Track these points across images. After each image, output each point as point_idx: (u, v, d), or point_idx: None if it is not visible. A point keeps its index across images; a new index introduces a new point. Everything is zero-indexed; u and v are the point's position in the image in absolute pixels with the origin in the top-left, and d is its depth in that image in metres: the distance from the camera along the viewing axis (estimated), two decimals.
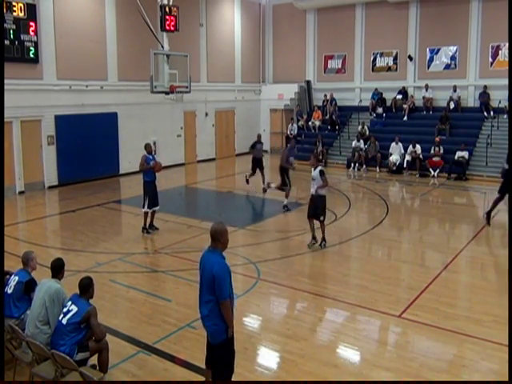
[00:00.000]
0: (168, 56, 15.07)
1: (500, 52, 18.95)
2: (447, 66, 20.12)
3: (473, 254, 9.20)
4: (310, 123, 21.59)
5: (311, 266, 8.83)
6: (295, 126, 21.79)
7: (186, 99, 17.87)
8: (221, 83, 21.42)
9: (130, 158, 16.66)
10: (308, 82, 23.21)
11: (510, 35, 12.25)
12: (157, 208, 10.34)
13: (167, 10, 14.87)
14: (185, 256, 8.85)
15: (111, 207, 12.86)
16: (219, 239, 4.34)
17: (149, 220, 10.32)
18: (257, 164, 14.66)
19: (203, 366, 5.15)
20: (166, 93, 15.20)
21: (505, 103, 18.35)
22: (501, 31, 18.51)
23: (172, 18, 14.95)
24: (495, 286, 7.64)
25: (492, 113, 18.42)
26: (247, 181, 14.69)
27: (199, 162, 20.38)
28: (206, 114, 20.81)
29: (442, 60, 20.23)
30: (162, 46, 15.39)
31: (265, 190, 14.05)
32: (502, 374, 5.29)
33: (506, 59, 18.75)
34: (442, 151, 17.07)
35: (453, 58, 19.95)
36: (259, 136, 15.50)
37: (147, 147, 10.36)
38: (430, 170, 16.95)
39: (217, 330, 4.31)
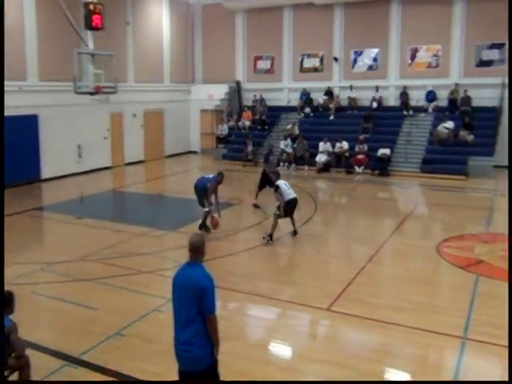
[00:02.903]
0: (93, 55, 14.53)
1: (417, 54, 20.08)
2: (370, 67, 21.04)
3: (395, 245, 9.72)
4: (240, 123, 21.73)
5: (243, 265, 8.90)
6: (225, 126, 21.84)
7: (112, 100, 17.34)
8: (149, 83, 20.99)
9: (53, 163, 15.91)
10: (238, 83, 23.34)
11: (510, 35, 12.91)
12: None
13: (91, 7, 14.32)
14: (113, 262, 8.59)
15: (32, 215, 12.21)
16: (202, 251, 4.15)
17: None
18: (267, 181, 12.15)
19: (135, 375, 5.05)
20: (91, 93, 14.65)
21: (422, 102, 19.52)
22: (418, 34, 19.65)
23: (96, 15, 14.40)
24: (415, 274, 8.09)
25: (411, 111, 19.49)
26: (256, 205, 12.41)
27: (127, 164, 19.84)
28: (134, 116, 20.31)
29: (365, 61, 21.12)
30: (86, 45, 14.82)
31: (257, 206, 12.39)
32: (422, 358, 5.64)
33: (423, 60, 19.94)
34: (366, 149, 17.84)
35: (375, 59, 20.88)
36: (271, 146, 14.87)
37: (222, 177, 10.22)
38: (355, 167, 17.66)
39: (204, 355, 3.95)
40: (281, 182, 9.86)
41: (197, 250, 4.11)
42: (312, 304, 6.92)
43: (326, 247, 9.93)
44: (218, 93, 22.88)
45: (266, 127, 21.30)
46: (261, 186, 12.44)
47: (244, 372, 5.26)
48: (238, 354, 5.61)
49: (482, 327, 6.19)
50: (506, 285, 7.49)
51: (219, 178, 10.12)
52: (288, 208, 9.63)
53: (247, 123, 21.61)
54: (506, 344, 5.66)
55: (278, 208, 9.67)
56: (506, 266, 8.25)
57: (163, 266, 8.22)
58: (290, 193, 9.71)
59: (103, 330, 6.18)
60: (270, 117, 21.67)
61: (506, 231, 10.07)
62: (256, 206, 12.37)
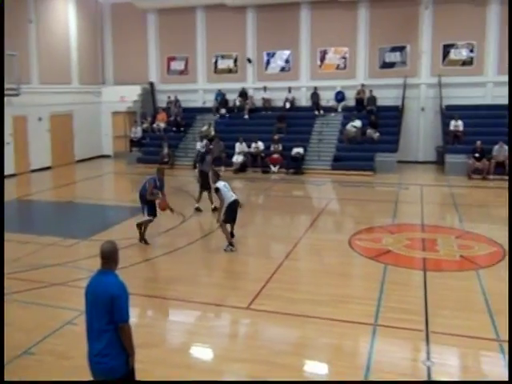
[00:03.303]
0: None
1: (326, 56, 20.93)
2: (282, 69, 21.58)
3: (310, 241, 10.06)
4: (154, 125, 21.31)
5: (161, 270, 8.74)
6: (139, 128, 21.31)
7: (15, 103, 16.26)
8: (56, 85, 19.89)
9: None
10: (151, 84, 22.87)
11: (510, 35, 13.41)
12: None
13: None
14: (21, 276, 8.03)
15: None
16: (114, 259, 3.96)
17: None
18: (206, 181, 12.00)
19: None
20: None
21: (332, 102, 20.39)
22: (327, 37, 20.48)
23: None
24: (329, 268, 8.43)
25: (322, 111, 20.28)
26: (198, 209, 12.15)
27: (33, 171, 18.65)
28: (40, 119, 19.16)
29: (278, 63, 21.64)
30: None
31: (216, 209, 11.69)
32: (338, 347, 5.88)
33: (332, 62, 20.84)
34: (280, 148, 18.29)
35: (287, 61, 21.45)
36: (208, 146, 14.14)
37: (160, 172, 9.78)
38: (271, 166, 18.05)
39: (118, 365, 3.85)
40: (221, 184, 9.28)
41: (109, 258, 3.97)
42: (231, 304, 6.97)
43: (244, 247, 10.00)
44: (130, 94, 22.26)
45: (182, 129, 21.08)
46: (204, 187, 12.10)
47: (163, 378, 5.16)
48: (158, 360, 5.51)
49: (392, 313, 6.57)
50: (411, 272, 8.08)
51: (157, 175, 9.73)
52: (230, 212, 9.20)
53: (162, 125, 21.24)
54: (415, 327, 6.10)
55: (218, 213, 9.32)
56: (410, 254, 8.90)
57: (76, 277, 7.84)
58: (230, 195, 9.24)
59: (10, 350, 5.76)
60: (185, 118, 21.48)
61: (409, 221, 10.86)
62: (198, 209, 12.06)
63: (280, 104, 20.98)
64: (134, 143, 21.14)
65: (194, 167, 16.04)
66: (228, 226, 9.39)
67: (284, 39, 21.18)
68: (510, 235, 8.16)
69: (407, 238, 9.72)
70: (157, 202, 9.68)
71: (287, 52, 21.41)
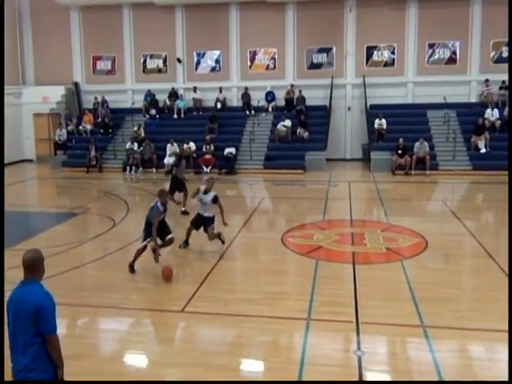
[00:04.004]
0: None
1: (256, 57, 21.14)
2: (213, 69, 21.52)
3: (244, 240, 10.12)
4: (80, 127, 20.49)
5: (91, 278, 8.40)
6: (64, 131, 20.43)
7: None
8: None
9: None
10: (76, 84, 21.97)
11: (509, 35, 13.53)
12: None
13: None
14: None
15: None
16: (38, 268, 3.71)
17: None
18: (178, 186, 11.87)
19: None
20: None
21: (263, 102, 20.63)
22: (256, 38, 20.69)
23: None
24: (263, 266, 8.53)
25: (253, 111, 20.46)
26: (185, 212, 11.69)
27: None
28: None
29: (208, 63, 21.56)
30: None
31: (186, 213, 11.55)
32: (273, 344, 5.95)
33: (262, 63, 21.09)
34: (212, 148, 18.24)
35: (217, 61, 21.42)
36: (182, 151, 13.42)
37: (163, 196, 8.06)
38: (203, 167, 17.95)
39: (46, 378, 3.68)
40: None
41: (32, 267, 3.74)
42: (165, 308, 6.85)
43: (177, 249, 9.88)
44: (53, 95, 21.29)
45: (110, 130, 20.43)
46: (173, 192, 11.64)
47: None
48: (90, 371, 5.29)
49: (324, 307, 6.75)
50: (341, 266, 8.35)
51: (161, 199, 7.99)
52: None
53: (89, 127, 20.48)
54: (346, 319, 6.30)
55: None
56: (340, 248, 9.20)
57: None
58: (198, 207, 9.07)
59: None
60: (113, 119, 20.84)
61: (338, 217, 11.23)
62: (185, 212, 11.58)
63: (211, 104, 20.92)
64: (58, 146, 20.21)
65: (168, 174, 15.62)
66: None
67: (214, 39, 21.14)
68: (510, 235, 8.30)
69: (337, 233, 10.05)
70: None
71: (217, 52, 21.40)
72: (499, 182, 14.93)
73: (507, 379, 5.11)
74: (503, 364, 5.45)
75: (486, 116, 18.18)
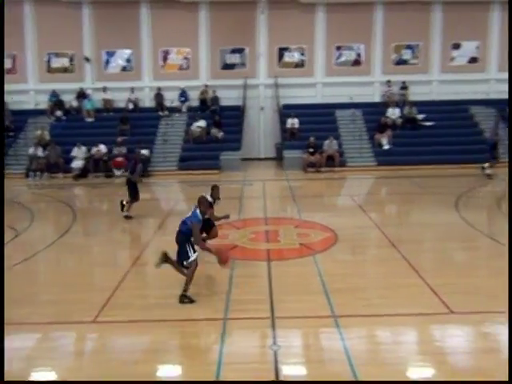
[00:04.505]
0: None
1: (169, 56, 20.85)
2: (124, 69, 20.87)
3: (158, 244, 9.86)
4: None
5: None
6: None
7: None
8: None
9: None
10: None
11: (510, 35, 13.34)
12: None
13: None
14: None
15: None
16: None
17: None
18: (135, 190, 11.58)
19: None
20: None
21: (176, 103, 20.37)
22: (169, 37, 20.39)
23: None
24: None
25: (166, 112, 20.14)
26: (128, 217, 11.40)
27: None
28: None
29: (119, 62, 20.87)
30: None
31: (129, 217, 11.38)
32: (189, 347, 5.90)
33: (175, 62, 20.84)
34: (124, 151, 17.68)
35: (128, 60, 20.81)
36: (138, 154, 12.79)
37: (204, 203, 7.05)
38: (114, 170, 17.36)
39: None
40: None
41: None
42: (76, 319, 6.52)
43: (88, 257, 9.48)
44: None
45: (11, 134, 19.07)
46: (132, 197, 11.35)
47: None
48: None
49: (240, 305, 6.78)
50: (257, 263, 8.47)
51: (203, 207, 7.07)
52: None
53: None
54: (262, 315, 6.39)
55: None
56: (255, 246, 9.35)
57: None
58: None
59: None
60: (14, 122, 19.46)
61: (253, 216, 11.40)
62: (127, 217, 11.33)
63: (122, 105, 20.28)
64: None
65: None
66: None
67: (124, 38, 20.53)
68: (509, 235, 8.42)
69: (252, 231, 10.19)
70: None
71: (128, 51, 20.81)
72: (401, 176, 16.04)
73: (415, 362, 5.50)
74: (407, 345, 5.87)
75: (388, 115, 19.41)
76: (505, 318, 6.35)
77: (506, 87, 19.98)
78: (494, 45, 20.77)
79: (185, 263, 6.98)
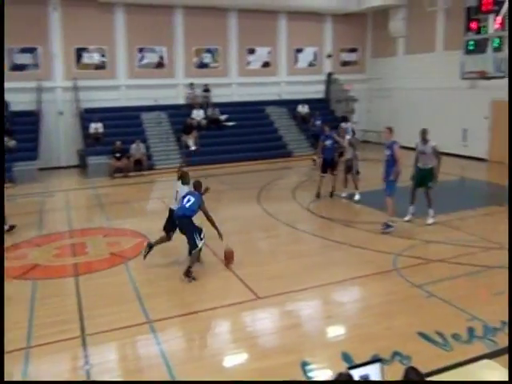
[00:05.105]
0: None
1: None
2: None
3: None
4: None
5: None
6: None
7: None
8: None
9: None
10: None
11: (510, 35, 11.83)
12: None
13: None
14: None
15: None
16: None
17: None
18: None
19: None
20: None
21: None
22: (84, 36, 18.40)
23: None
24: None
25: None
26: None
27: None
28: None
29: None
30: None
31: None
32: None
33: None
34: None
35: None
36: None
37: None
38: None
39: None
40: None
41: None
42: None
43: None
44: None
45: None
46: None
47: None
48: None
49: (46, 329, 6.22)
50: (63, 281, 7.87)
51: (200, 189, 8.17)
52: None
53: None
54: (71, 336, 5.94)
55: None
56: (60, 263, 8.67)
57: None
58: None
59: None
60: None
61: (57, 230, 10.54)
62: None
63: None
64: None
65: None
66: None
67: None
68: (510, 235, 8.41)
69: (56, 247, 9.39)
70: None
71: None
72: (209, 175, 16.68)
73: (229, 350, 5.75)
74: (221, 336, 6.17)
75: (193, 116, 19.95)
76: (303, 296, 7.15)
77: (294, 89, 22.66)
78: (282, 51, 23.01)
79: (192, 252, 7.77)
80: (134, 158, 17.06)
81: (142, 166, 17.06)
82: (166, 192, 15.46)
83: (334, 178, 12.89)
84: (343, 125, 15.81)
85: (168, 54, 20.98)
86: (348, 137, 12.94)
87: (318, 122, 19.01)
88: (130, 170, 16.89)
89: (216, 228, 7.96)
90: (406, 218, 10.43)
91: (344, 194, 12.78)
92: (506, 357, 5.25)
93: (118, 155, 16.92)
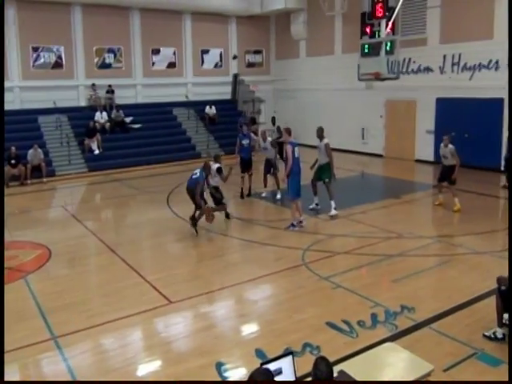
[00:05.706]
0: None
1: None
2: None
3: None
4: None
5: None
6: None
7: None
8: None
9: None
10: None
11: (509, 35, 10.60)
12: None
13: None
14: None
15: None
16: None
17: None
18: None
19: None
20: None
21: None
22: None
23: None
24: None
25: None
26: None
27: None
28: None
29: None
30: None
31: None
32: None
33: None
34: None
35: None
36: None
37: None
38: None
39: None
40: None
41: None
42: None
43: None
44: None
45: None
46: None
47: None
48: None
49: None
50: None
51: (207, 170, 9.98)
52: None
53: None
54: None
55: None
56: None
57: None
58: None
59: None
60: None
61: None
62: None
63: None
64: None
65: None
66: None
67: None
68: (509, 235, 8.21)
69: None
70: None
71: None
72: (115, 179, 16.10)
73: (142, 359, 5.57)
74: (134, 345, 5.96)
75: (96, 119, 19.09)
76: (216, 297, 7.16)
77: (201, 90, 22.54)
78: (188, 51, 22.77)
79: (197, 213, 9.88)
80: (31, 165, 15.90)
81: (41, 172, 15.96)
82: (68, 199, 14.73)
83: (250, 178, 13.03)
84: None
85: (66, 54, 19.90)
86: (269, 138, 13.08)
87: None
88: (27, 177, 15.71)
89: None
90: (311, 207, 11.20)
91: (264, 194, 12.98)
92: (406, 338, 5.69)
93: (13, 162, 15.66)
